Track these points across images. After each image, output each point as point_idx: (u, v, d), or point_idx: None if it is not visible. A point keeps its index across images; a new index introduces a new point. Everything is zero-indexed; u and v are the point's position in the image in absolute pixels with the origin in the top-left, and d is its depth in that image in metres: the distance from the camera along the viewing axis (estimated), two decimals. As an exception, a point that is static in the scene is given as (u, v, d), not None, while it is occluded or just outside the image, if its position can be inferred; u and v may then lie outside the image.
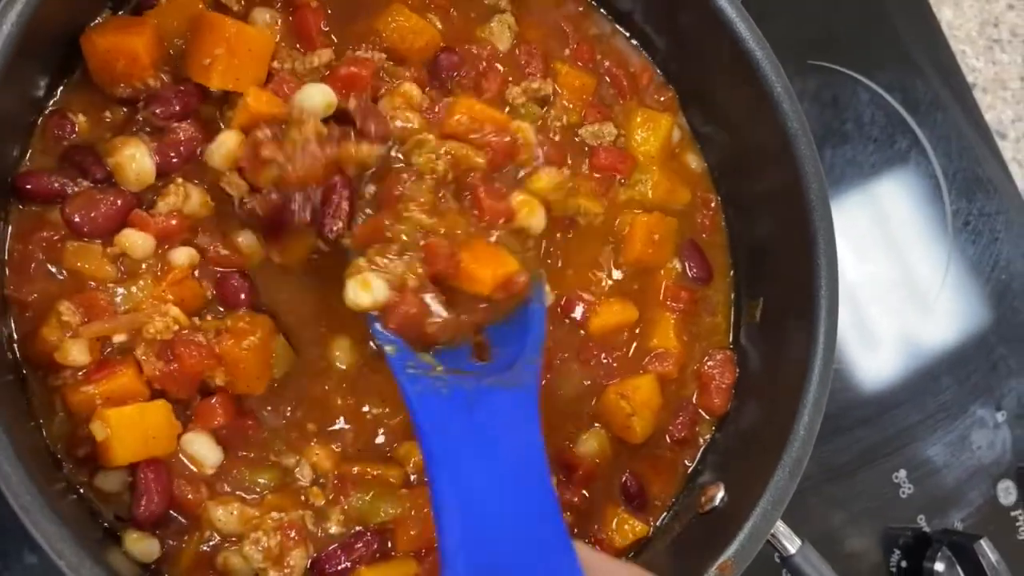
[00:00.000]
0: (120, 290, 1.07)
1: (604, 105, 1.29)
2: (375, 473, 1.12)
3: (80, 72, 1.12)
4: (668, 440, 1.24)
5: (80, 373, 1.04)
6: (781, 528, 1.09)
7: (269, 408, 1.12)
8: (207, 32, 1.10)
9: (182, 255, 1.09)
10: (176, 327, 1.05)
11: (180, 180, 1.10)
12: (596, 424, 1.21)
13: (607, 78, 1.31)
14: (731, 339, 1.30)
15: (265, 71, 1.13)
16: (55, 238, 1.07)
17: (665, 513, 1.23)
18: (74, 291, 1.06)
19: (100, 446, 1.02)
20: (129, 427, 1.02)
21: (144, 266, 1.08)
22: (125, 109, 1.12)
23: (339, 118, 1.04)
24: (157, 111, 1.10)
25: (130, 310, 1.06)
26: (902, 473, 1.52)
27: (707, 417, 1.26)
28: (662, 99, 1.33)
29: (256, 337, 1.07)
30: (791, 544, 1.10)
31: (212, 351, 1.05)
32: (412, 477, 1.12)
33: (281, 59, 1.15)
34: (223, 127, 1.10)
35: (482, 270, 1.00)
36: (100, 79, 1.10)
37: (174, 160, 1.10)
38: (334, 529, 1.09)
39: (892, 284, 1.59)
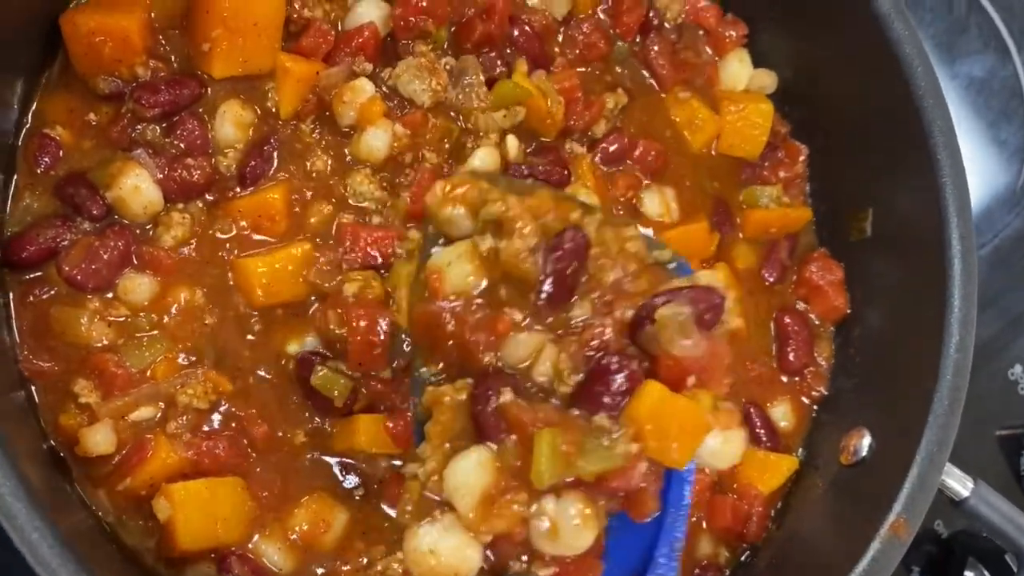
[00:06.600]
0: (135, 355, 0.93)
1: None
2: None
3: (58, 66, 0.97)
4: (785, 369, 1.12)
5: (114, 462, 0.90)
6: (950, 469, 0.95)
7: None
8: (200, 10, 0.93)
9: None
10: (214, 398, 0.93)
11: (181, 205, 0.96)
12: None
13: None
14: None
15: (278, 41, 0.97)
16: (51, 294, 0.93)
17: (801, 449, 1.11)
18: (80, 361, 0.92)
19: (164, 529, 0.88)
20: (196, 505, 0.87)
21: (146, 318, 0.94)
22: (109, 109, 0.97)
23: None
24: (143, 100, 0.94)
25: (144, 370, 0.92)
26: (1018, 368, 1.39)
27: (824, 332, 1.14)
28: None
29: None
30: (963, 487, 0.96)
31: None
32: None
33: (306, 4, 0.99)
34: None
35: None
36: (83, 67, 0.94)
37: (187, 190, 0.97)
38: None
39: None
